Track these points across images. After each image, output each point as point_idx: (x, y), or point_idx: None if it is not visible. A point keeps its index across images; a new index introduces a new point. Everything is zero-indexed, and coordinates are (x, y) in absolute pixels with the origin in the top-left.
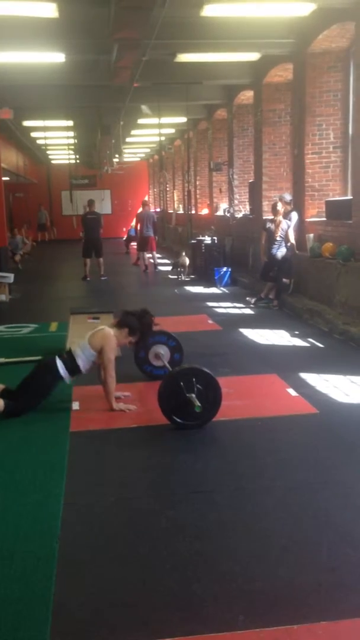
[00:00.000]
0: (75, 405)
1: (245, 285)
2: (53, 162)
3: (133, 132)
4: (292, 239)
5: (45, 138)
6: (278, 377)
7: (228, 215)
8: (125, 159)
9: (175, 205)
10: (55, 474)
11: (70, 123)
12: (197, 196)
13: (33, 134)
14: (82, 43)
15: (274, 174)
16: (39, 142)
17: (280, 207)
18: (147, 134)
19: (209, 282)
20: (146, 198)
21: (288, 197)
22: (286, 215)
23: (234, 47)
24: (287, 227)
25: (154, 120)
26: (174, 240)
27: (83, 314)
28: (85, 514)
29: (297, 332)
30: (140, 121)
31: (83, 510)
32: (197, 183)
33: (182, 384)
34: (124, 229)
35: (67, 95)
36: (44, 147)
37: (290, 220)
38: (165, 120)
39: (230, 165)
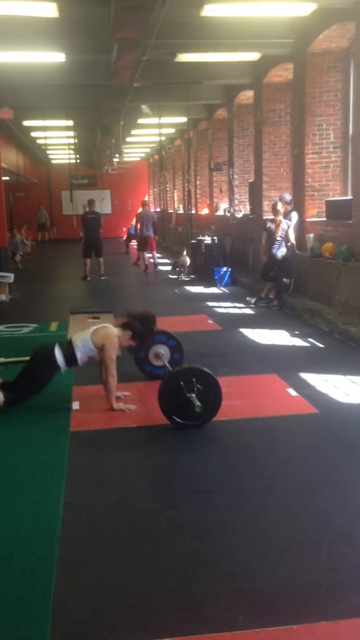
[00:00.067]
0: (75, 405)
1: (245, 285)
2: (53, 161)
3: (133, 132)
4: (292, 239)
5: (45, 138)
6: (278, 377)
7: (228, 215)
8: (125, 159)
9: (176, 205)
10: (55, 473)
11: (70, 123)
12: (197, 196)
13: (33, 134)
14: (82, 43)
15: (274, 173)
16: (39, 141)
17: (280, 207)
18: (147, 133)
19: (209, 282)
20: (146, 198)
21: (288, 197)
22: (286, 215)
23: (234, 47)
24: (287, 227)
25: (154, 120)
26: (174, 240)
27: (83, 314)
28: (85, 514)
29: (297, 332)
30: (141, 121)
31: (83, 510)
32: (197, 183)
33: (182, 383)
34: (124, 229)
35: (67, 95)
36: (44, 147)
37: (290, 220)
38: (165, 120)
39: (231, 165)
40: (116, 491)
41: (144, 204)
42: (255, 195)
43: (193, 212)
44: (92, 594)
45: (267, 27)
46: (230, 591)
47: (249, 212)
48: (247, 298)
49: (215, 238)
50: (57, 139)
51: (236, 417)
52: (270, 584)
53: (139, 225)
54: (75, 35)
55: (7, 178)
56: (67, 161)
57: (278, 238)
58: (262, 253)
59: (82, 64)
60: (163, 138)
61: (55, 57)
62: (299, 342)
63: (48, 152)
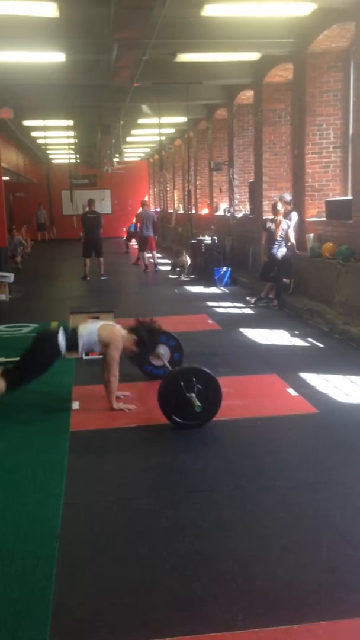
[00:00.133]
0: (75, 405)
1: (245, 285)
2: (53, 161)
3: (133, 131)
4: (292, 239)
5: (45, 137)
6: (278, 377)
7: (228, 215)
8: (125, 159)
9: (176, 205)
10: (55, 473)
11: (70, 122)
12: (197, 196)
13: (33, 134)
14: (82, 43)
15: (274, 173)
16: (39, 141)
17: (280, 207)
18: (147, 133)
19: (209, 282)
20: (146, 198)
21: (288, 197)
22: (286, 215)
23: (234, 47)
24: (288, 227)
25: (154, 120)
26: (174, 240)
27: (83, 314)
28: (85, 513)
29: (297, 332)
30: (141, 121)
31: (83, 510)
32: (197, 183)
33: (182, 383)
34: (124, 229)
35: (67, 94)
36: (44, 147)
37: (290, 220)
38: (166, 120)
39: (231, 165)
40: (116, 491)
41: (144, 204)
42: (255, 195)
43: (193, 212)
44: (92, 593)
45: (267, 27)
46: (230, 591)
47: (249, 212)
48: (247, 298)
49: (215, 238)
50: (57, 139)
51: (236, 417)
52: (270, 583)
53: (139, 225)
54: (76, 35)
55: (7, 178)
56: (67, 161)
57: (278, 238)
58: (262, 253)
59: (82, 63)
60: (163, 138)
61: (55, 57)
62: (298, 342)
63: (48, 151)
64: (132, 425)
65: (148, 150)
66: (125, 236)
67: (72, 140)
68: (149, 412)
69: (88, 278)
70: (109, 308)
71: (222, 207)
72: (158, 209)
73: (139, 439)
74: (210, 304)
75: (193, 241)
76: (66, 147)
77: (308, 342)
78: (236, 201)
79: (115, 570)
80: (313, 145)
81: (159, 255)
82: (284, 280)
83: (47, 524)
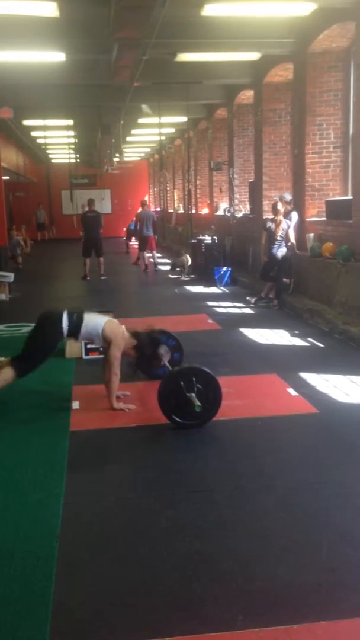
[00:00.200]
0: (75, 405)
1: (245, 285)
2: (53, 161)
3: (133, 131)
4: (292, 239)
5: (45, 137)
6: (278, 377)
7: (228, 214)
8: (125, 159)
9: (176, 205)
10: (55, 473)
11: (70, 122)
12: (197, 196)
13: (33, 133)
14: (82, 42)
15: (274, 173)
16: (39, 141)
17: (280, 206)
18: (147, 133)
19: (209, 282)
20: (145, 198)
21: (288, 196)
22: (286, 215)
23: (234, 47)
24: (288, 226)
25: (154, 120)
26: (174, 239)
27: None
28: (85, 513)
29: (297, 332)
30: (141, 120)
31: (83, 510)
32: (197, 182)
33: (182, 383)
34: (124, 229)
35: (67, 94)
36: (44, 147)
37: (290, 220)
38: (166, 119)
39: (231, 165)
40: (116, 491)
41: (144, 204)
42: (255, 195)
43: (193, 211)
44: (92, 593)
45: (267, 27)
46: (230, 591)
47: (249, 212)
48: (247, 298)
49: (215, 238)
50: (57, 139)
51: (236, 416)
52: (270, 583)
53: (139, 225)
54: (76, 35)
55: (7, 177)
56: (67, 160)
57: (278, 238)
58: (262, 253)
59: (82, 63)
60: (163, 138)
61: (55, 56)
62: (298, 342)
63: (48, 151)
64: (132, 425)
65: (148, 150)
66: (125, 236)
67: (72, 140)
68: (149, 412)
69: (88, 278)
70: (109, 308)
71: (222, 206)
72: (158, 209)
73: (139, 439)
74: (210, 303)
75: (193, 241)
76: (66, 146)
77: (308, 342)
78: (236, 201)
79: (115, 570)
80: (313, 145)
81: (159, 255)
82: (284, 280)
83: (47, 524)
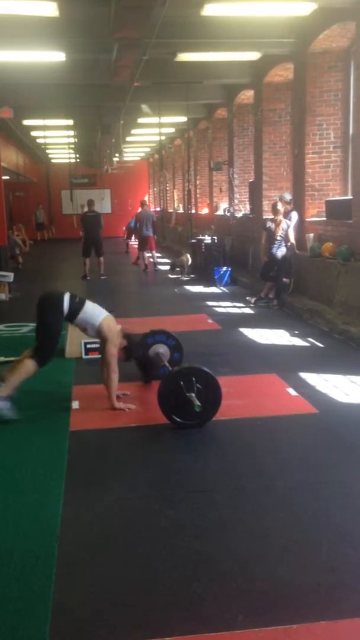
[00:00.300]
0: (75, 405)
1: (245, 285)
2: (53, 161)
3: (133, 131)
4: (292, 239)
5: (45, 137)
6: (278, 377)
7: (228, 214)
8: (125, 158)
9: (175, 205)
10: (55, 473)
11: (70, 122)
12: (197, 195)
13: (33, 133)
14: (82, 42)
15: (274, 173)
16: (38, 141)
17: (280, 206)
18: (147, 133)
19: (209, 282)
20: (145, 198)
21: (288, 196)
22: (286, 215)
23: (234, 47)
24: (287, 226)
25: (154, 120)
26: (173, 239)
27: None
28: (84, 513)
29: (297, 332)
30: (141, 120)
31: (83, 509)
32: (197, 182)
33: (181, 383)
34: (124, 229)
35: (67, 94)
36: (43, 146)
37: (290, 219)
38: (166, 119)
39: (231, 165)
40: (116, 491)
41: (143, 204)
42: (255, 195)
43: (193, 211)
44: (92, 593)
45: (267, 27)
46: (229, 591)
47: (248, 212)
48: (247, 298)
49: (215, 238)
50: (57, 138)
51: (236, 416)
52: (269, 583)
53: (138, 224)
54: (76, 35)
55: (7, 177)
56: (67, 160)
57: (278, 238)
58: (262, 253)
59: (82, 63)
60: (163, 137)
61: (55, 56)
62: (298, 341)
63: (48, 151)
64: (131, 424)
65: (148, 149)
66: (125, 235)
67: (72, 140)
68: (148, 412)
69: (88, 278)
70: (109, 308)
71: (222, 206)
72: (158, 209)
73: (138, 439)
74: (210, 303)
75: (193, 241)
76: (66, 146)
77: (308, 342)
78: (236, 201)
79: (115, 570)
80: (313, 145)
81: (158, 254)
82: (284, 280)
83: (47, 524)
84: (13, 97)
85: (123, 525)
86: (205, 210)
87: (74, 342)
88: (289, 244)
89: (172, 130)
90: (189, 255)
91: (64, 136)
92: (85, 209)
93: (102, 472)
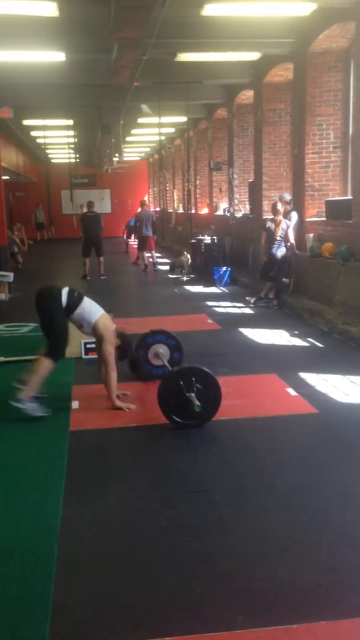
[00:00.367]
0: (75, 405)
1: (245, 285)
2: (53, 161)
3: (133, 131)
4: (291, 239)
5: (45, 137)
6: (277, 377)
7: (228, 214)
8: (125, 158)
9: (175, 205)
10: (55, 473)
11: (70, 122)
12: (197, 196)
13: (33, 133)
14: (82, 42)
15: (274, 173)
16: (38, 141)
17: (280, 206)
18: (147, 133)
19: (209, 282)
20: (145, 198)
21: (288, 196)
22: (286, 215)
23: (234, 47)
24: (287, 226)
25: (154, 120)
26: (173, 239)
27: None
28: (84, 513)
29: (296, 332)
30: (141, 120)
31: (82, 509)
32: (197, 182)
33: (181, 383)
34: (124, 228)
35: (67, 94)
36: (43, 146)
37: (290, 220)
38: (166, 119)
39: (230, 165)
40: (116, 491)
41: (143, 204)
42: (255, 195)
43: (193, 211)
44: (92, 593)
45: (267, 27)
46: (229, 591)
47: (248, 212)
48: (247, 298)
49: (215, 238)
50: (57, 138)
51: (236, 416)
52: (269, 583)
53: (138, 225)
54: (76, 35)
55: (7, 177)
56: (67, 160)
57: (278, 238)
58: (262, 253)
59: (82, 63)
60: (163, 137)
61: (55, 56)
62: (298, 341)
63: (48, 151)
64: (131, 424)
65: (148, 149)
66: (125, 235)
67: (71, 140)
68: (148, 412)
69: (88, 278)
70: (109, 308)
71: (222, 206)
72: (158, 209)
73: (138, 439)
74: (210, 303)
75: (193, 241)
76: (66, 146)
77: (308, 342)
78: (236, 201)
79: (115, 570)
80: (313, 145)
81: (158, 255)
82: (284, 280)
83: (47, 523)
84: (13, 97)
85: (123, 525)
86: (205, 210)
87: (74, 342)
88: (288, 244)
89: (172, 130)
90: (188, 255)
91: (64, 136)
92: (85, 210)
93: (102, 472)
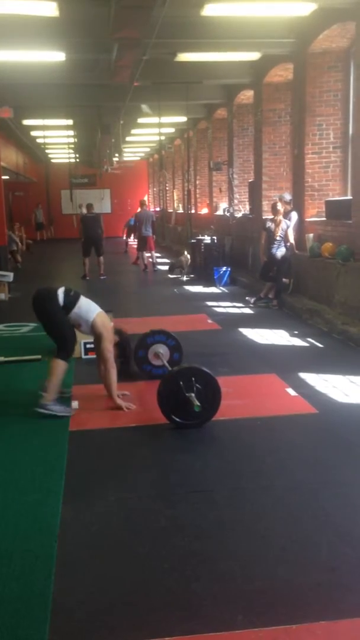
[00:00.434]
0: (75, 404)
1: (245, 285)
2: (53, 161)
3: (133, 131)
4: (291, 239)
5: (45, 137)
6: (277, 377)
7: (228, 214)
8: (125, 158)
9: (175, 205)
10: (55, 473)
11: (70, 122)
12: (197, 196)
13: (33, 133)
14: (82, 42)
15: (273, 173)
16: (38, 140)
17: (280, 206)
18: (147, 133)
19: (209, 282)
20: (145, 198)
21: (288, 196)
22: (286, 215)
23: (234, 47)
24: (287, 226)
25: (154, 120)
26: (173, 239)
27: None
28: (84, 513)
29: (296, 332)
30: (140, 120)
31: (82, 509)
32: (197, 182)
33: (181, 383)
34: (123, 227)
35: (67, 94)
36: (43, 146)
37: (290, 220)
38: (165, 119)
39: (230, 165)
40: (116, 491)
41: (143, 204)
42: (255, 195)
43: (192, 211)
44: (92, 593)
45: (267, 27)
46: (229, 591)
47: (248, 212)
48: (247, 298)
49: (215, 238)
50: (57, 138)
51: (235, 416)
52: (269, 583)
53: (137, 224)
54: (76, 35)
55: (6, 177)
56: (66, 160)
57: (277, 238)
58: (262, 253)
59: (82, 63)
60: (163, 137)
61: (55, 56)
62: (298, 342)
63: (48, 151)
64: (131, 424)
65: (148, 149)
66: (124, 234)
67: (71, 140)
68: (148, 412)
69: (87, 277)
70: (109, 308)
71: (222, 206)
72: (157, 209)
73: (138, 439)
74: (210, 303)
75: (192, 241)
76: (66, 146)
77: (307, 342)
78: (236, 201)
79: (115, 570)
80: (313, 145)
81: (158, 254)
82: (284, 280)
83: (47, 523)
84: (13, 97)
85: (123, 525)
86: (204, 211)
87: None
88: (288, 244)
89: (172, 130)
90: (188, 256)
91: (63, 136)
92: (84, 211)
93: (102, 472)
